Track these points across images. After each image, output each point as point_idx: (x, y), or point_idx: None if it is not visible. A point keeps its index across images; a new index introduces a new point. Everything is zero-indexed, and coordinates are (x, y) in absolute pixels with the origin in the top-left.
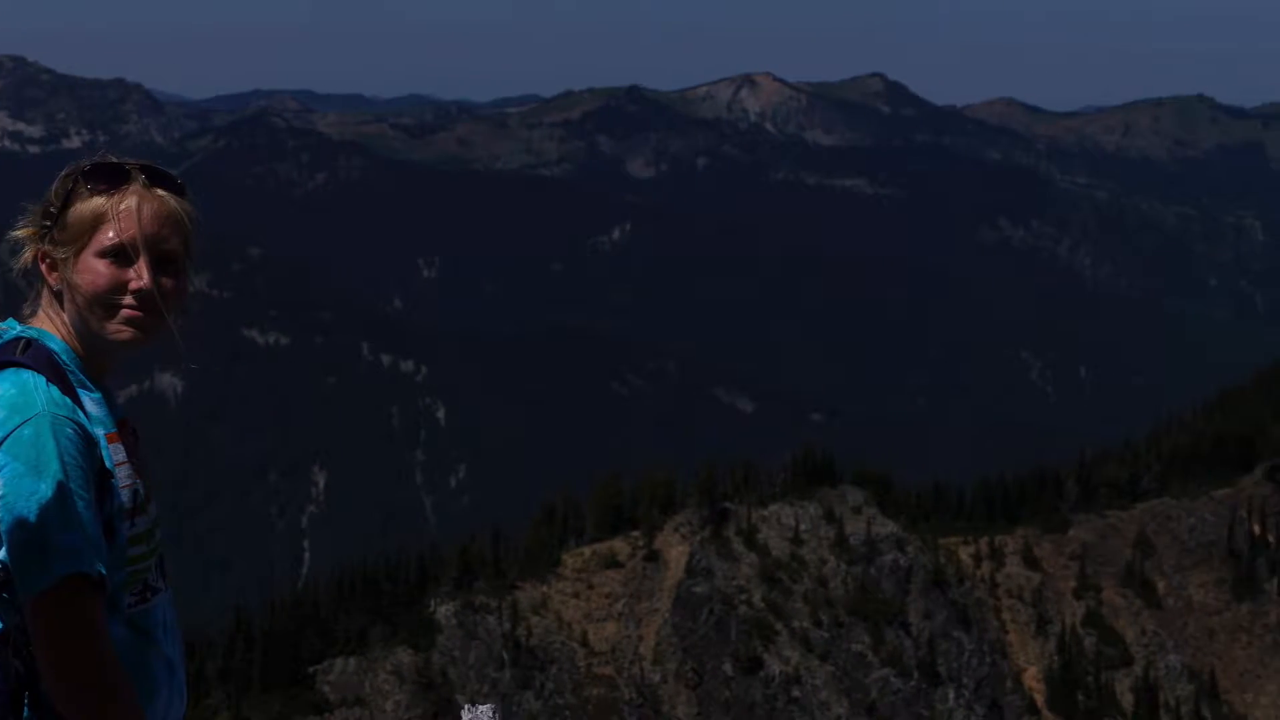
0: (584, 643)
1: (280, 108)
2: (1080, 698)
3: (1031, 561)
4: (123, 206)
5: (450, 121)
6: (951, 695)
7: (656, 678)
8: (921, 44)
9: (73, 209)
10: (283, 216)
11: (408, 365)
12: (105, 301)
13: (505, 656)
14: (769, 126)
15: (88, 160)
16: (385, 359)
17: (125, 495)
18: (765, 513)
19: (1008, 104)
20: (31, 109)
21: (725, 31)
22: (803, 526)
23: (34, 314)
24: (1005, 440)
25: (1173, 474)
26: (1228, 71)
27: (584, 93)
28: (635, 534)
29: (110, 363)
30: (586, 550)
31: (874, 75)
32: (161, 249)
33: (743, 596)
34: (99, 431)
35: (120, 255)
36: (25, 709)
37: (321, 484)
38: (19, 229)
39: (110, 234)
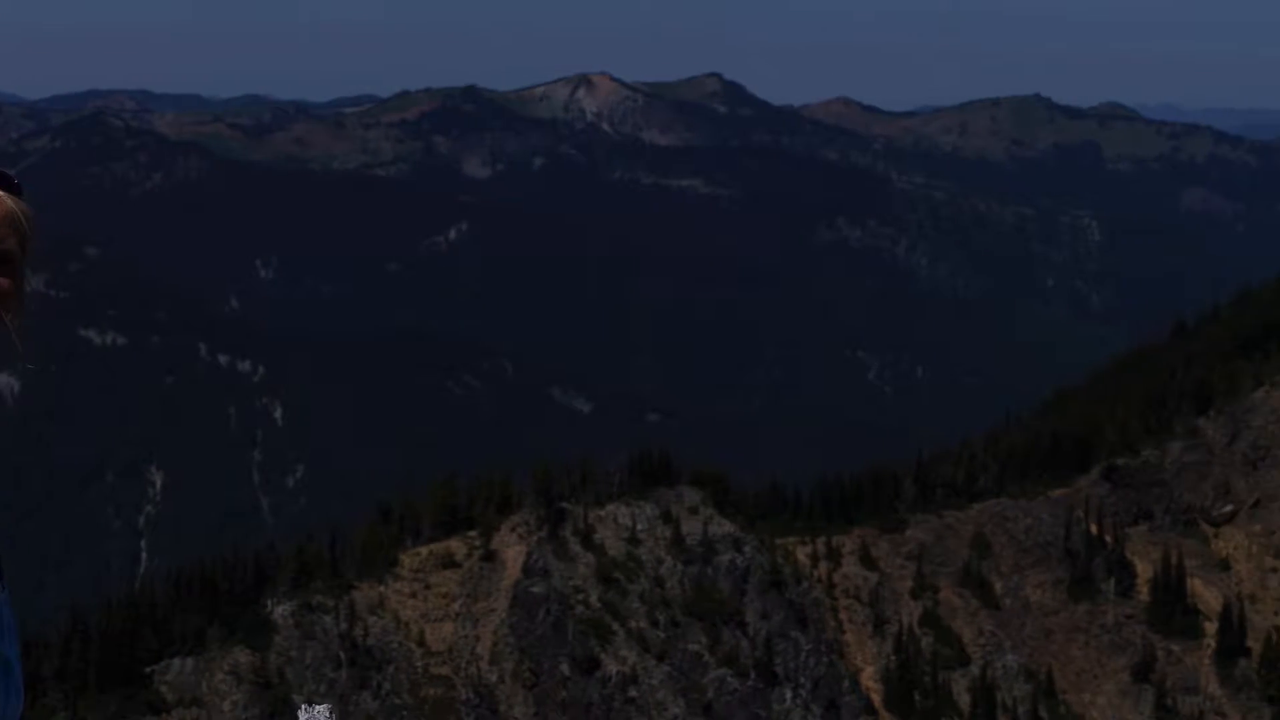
0: (421, 643)
1: (117, 107)
2: (917, 698)
3: (868, 561)
4: None
5: (287, 122)
6: (789, 695)
7: (494, 678)
8: (759, 44)
9: None
10: (120, 216)
11: (245, 365)
12: None
13: (342, 656)
14: (605, 126)
15: None
16: (222, 359)
17: None
18: (602, 513)
19: (845, 104)
20: None
21: (562, 32)
22: (639, 526)
23: None
24: (842, 440)
25: (1010, 474)
26: (1064, 71)
27: (420, 93)
28: (472, 534)
29: None
30: (423, 550)
31: (711, 75)
32: None
33: (580, 597)
34: None
35: None
36: None
37: (158, 484)
38: None
39: None
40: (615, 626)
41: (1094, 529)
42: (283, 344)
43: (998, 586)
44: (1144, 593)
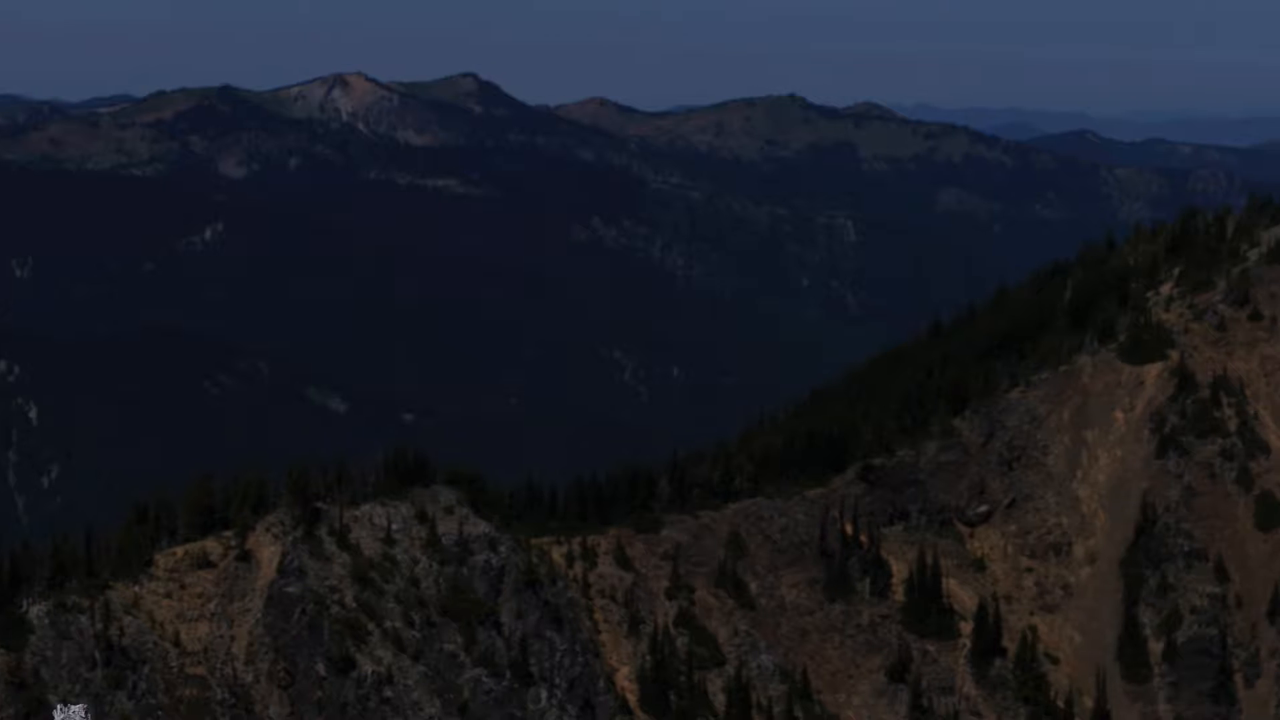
0: (176, 643)
1: None
2: (672, 698)
3: (624, 561)
4: None
5: (42, 121)
6: (544, 695)
7: (249, 677)
8: (514, 44)
9: None
10: None
11: (0, 366)
12: None
13: (98, 656)
14: (361, 126)
15: None
16: None
17: None
18: (357, 513)
19: (600, 104)
20: None
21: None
22: (395, 526)
23: None
24: (598, 440)
25: (765, 474)
26: (820, 71)
27: (176, 93)
28: (227, 534)
29: None
30: (179, 550)
31: (466, 75)
32: None
33: (335, 596)
34: None
35: None
36: None
37: None
38: None
39: None
40: (371, 626)
41: (849, 529)
42: (39, 344)
43: (753, 586)
44: (899, 593)
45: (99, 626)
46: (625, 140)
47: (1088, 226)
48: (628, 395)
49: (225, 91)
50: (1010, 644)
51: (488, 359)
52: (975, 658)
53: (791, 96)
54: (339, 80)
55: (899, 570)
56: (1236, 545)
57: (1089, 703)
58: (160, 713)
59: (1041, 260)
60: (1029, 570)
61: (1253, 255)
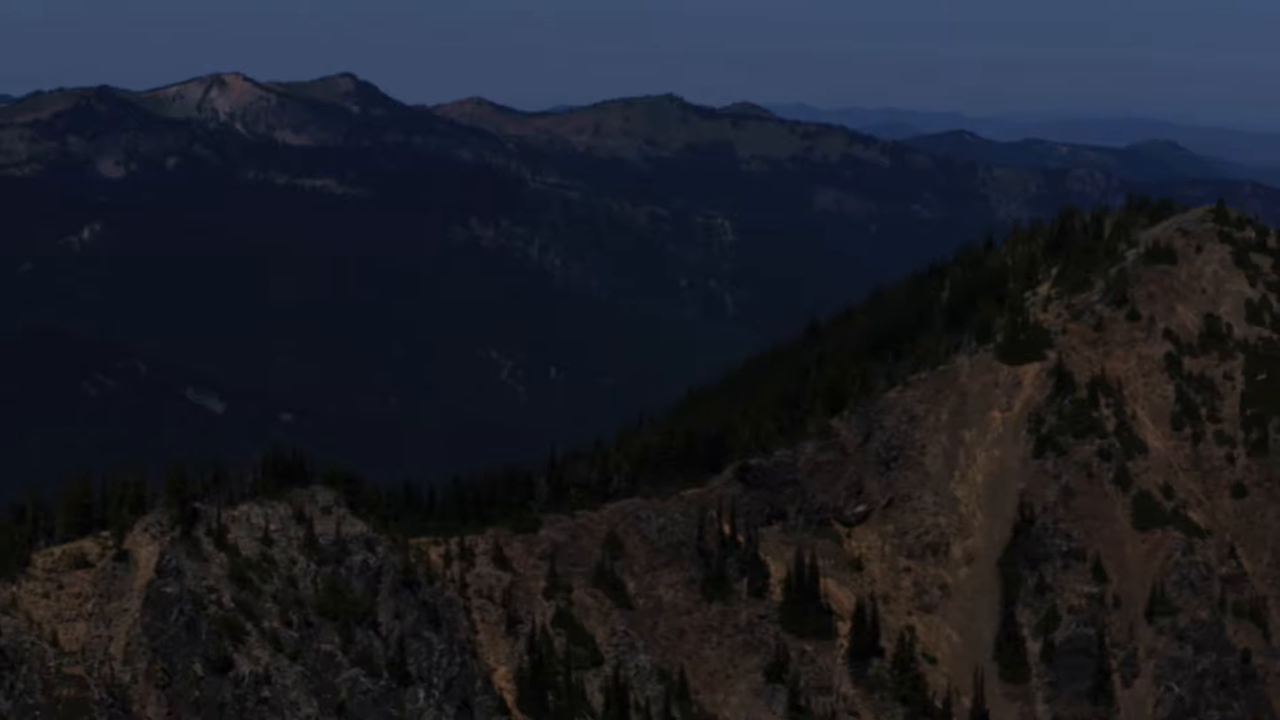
0: (54, 643)
1: None
2: (550, 697)
3: (502, 561)
4: None
5: None
6: (422, 695)
7: (127, 678)
8: (392, 44)
9: None
10: None
11: None
12: None
13: None
14: (239, 126)
15: None
16: None
17: None
18: (235, 513)
19: (478, 104)
20: None
21: (195, 31)
22: (273, 526)
23: None
24: (476, 440)
25: (643, 474)
26: (697, 71)
27: (54, 93)
28: (105, 534)
29: None
30: (56, 550)
31: (345, 75)
32: None
33: (213, 596)
34: None
35: None
36: None
37: None
38: None
39: None
40: (249, 626)
41: (727, 529)
42: None
43: (631, 586)
44: (777, 593)
45: None
46: (503, 140)
47: (965, 226)
48: (505, 395)
49: (103, 91)
50: (888, 644)
51: (365, 359)
52: (853, 658)
53: (669, 97)
54: (217, 80)
55: (776, 570)
56: (1114, 545)
57: (967, 703)
58: (38, 713)
59: (919, 260)
60: (907, 570)
61: (1130, 255)
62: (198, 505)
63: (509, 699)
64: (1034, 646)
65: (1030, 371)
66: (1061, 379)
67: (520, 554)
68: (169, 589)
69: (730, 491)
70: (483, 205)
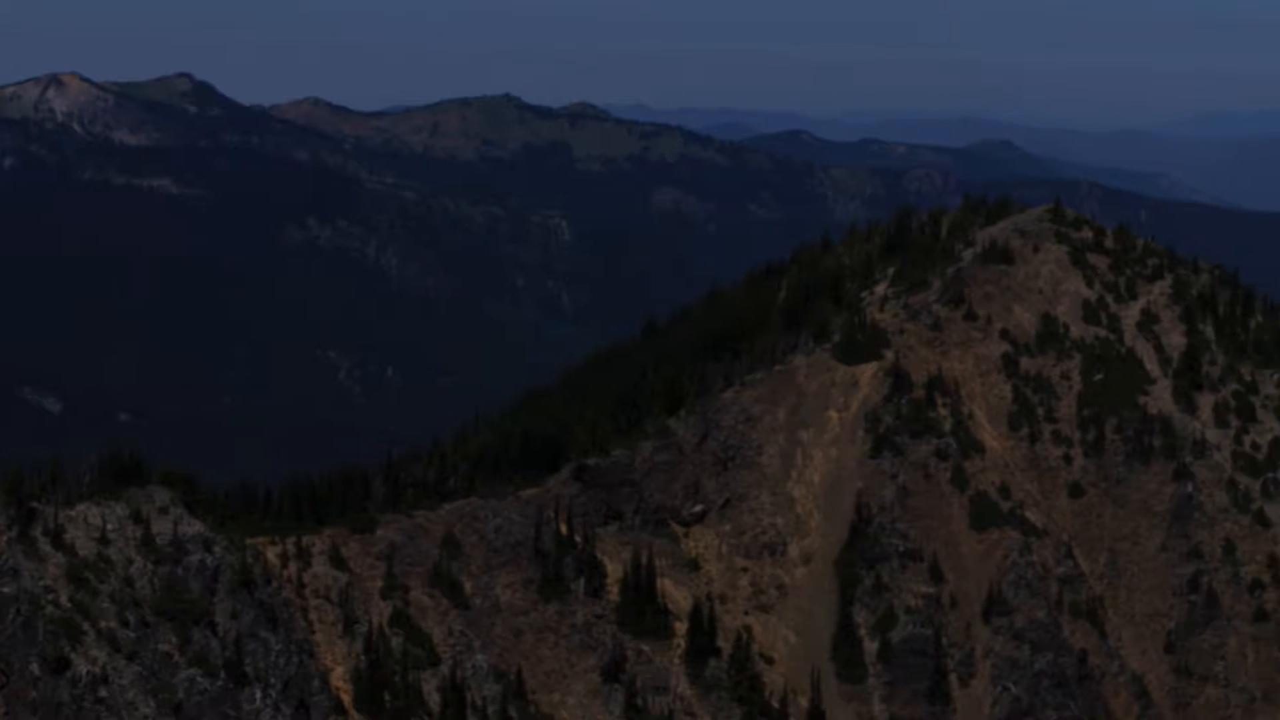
0: None
1: None
2: (387, 697)
3: (339, 561)
4: None
5: None
6: (259, 695)
7: None
8: (229, 44)
9: None
10: None
11: None
12: None
13: None
14: (76, 126)
15: None
16: None
17: None
18: (72, 513)
19: (314, 104)
20: None
21: (31, 31)
22: (110, 526)
23: None
24: (313, 440)
25: (480, 474)
26: (534, 71)
27: None
28: None
29: None
30: None
31: (181, 75)
32: None
33: (50, 597)
34: None
35: None
36: None
37: None
38: None
39: None
40: (86, 626)
41: (564, 529)
42: None
43: (468, 586)
44: (614, 593)
45: None
46: (340, 140)
47: (803, 226)
48: (342, 395)
49: None
50: (725, 644)
51: (203, 359)
52: (690, 658)
53: (507, 96)
54: (54, 80)
55: (614, 570)
56: (951, 545)
57: (804, 703)
58: None
59: (756, 260)
60: (744, 570)
61: (967, 255)
62: (34, 505)
63: (346, 699)
64: (871, 646)
65: (867, 371)
66: (898, 379)
67: (357, 554)
68: (5, 589)
69: (567, 491)
70: (319, 205)
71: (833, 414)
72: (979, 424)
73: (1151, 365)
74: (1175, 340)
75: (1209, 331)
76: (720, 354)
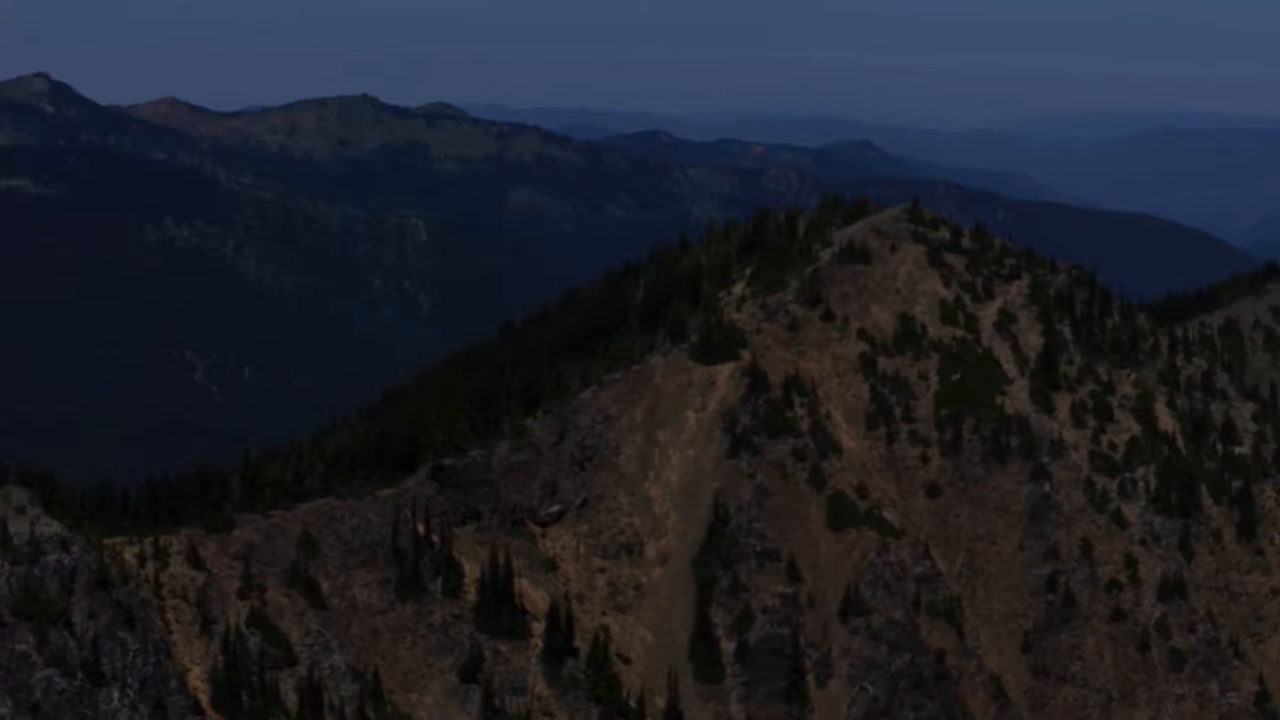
0: None
1: None
2: (245, 698)
3: (196, 561)
4: None
5: None
6: (116, 695)
7: None
8: (86, 44)
9: None
10: None
11: None
12: None
13: None
14: None
15: None
16: None
17: None
18: None
19: (172, 104)
20: None
21: None
22: None
23: None
24: (171, 440)
25: (337, 474)
26: (391, 71)
27: None
28: None
29: None
30: None
31: (38, 75)
32: None
33: None
34: None
35: None
36: None
37: None
38: None
39: None
40: None
41: (421, 529)
42: None
43: (325, 586)
44: (471, 593)
45: None
46: (197, 140)
47: (660, 226)
48: (200, 395)
49: None
50: (582, 644)
51: (60, 359)
52: (547, 658)
53: (364, 96)
54: None
55: (471, 570)
56: (808, 545)
57: (661, 703)
58: None
59: (614, 260)
60: (601, 570)
61: (825, 255)
62: None
63: (203, 699)
64: (728, 646)
65: (724, 371)
66: (756, 379)
67: (214, 554)
68: None
69: (424, 492)
70: (177, 205)
71: (690, 414)
72: (836, 424)
73: (1009, 365)
74: (1032, 340)
75: (1066, 332)
76: (577, 354)
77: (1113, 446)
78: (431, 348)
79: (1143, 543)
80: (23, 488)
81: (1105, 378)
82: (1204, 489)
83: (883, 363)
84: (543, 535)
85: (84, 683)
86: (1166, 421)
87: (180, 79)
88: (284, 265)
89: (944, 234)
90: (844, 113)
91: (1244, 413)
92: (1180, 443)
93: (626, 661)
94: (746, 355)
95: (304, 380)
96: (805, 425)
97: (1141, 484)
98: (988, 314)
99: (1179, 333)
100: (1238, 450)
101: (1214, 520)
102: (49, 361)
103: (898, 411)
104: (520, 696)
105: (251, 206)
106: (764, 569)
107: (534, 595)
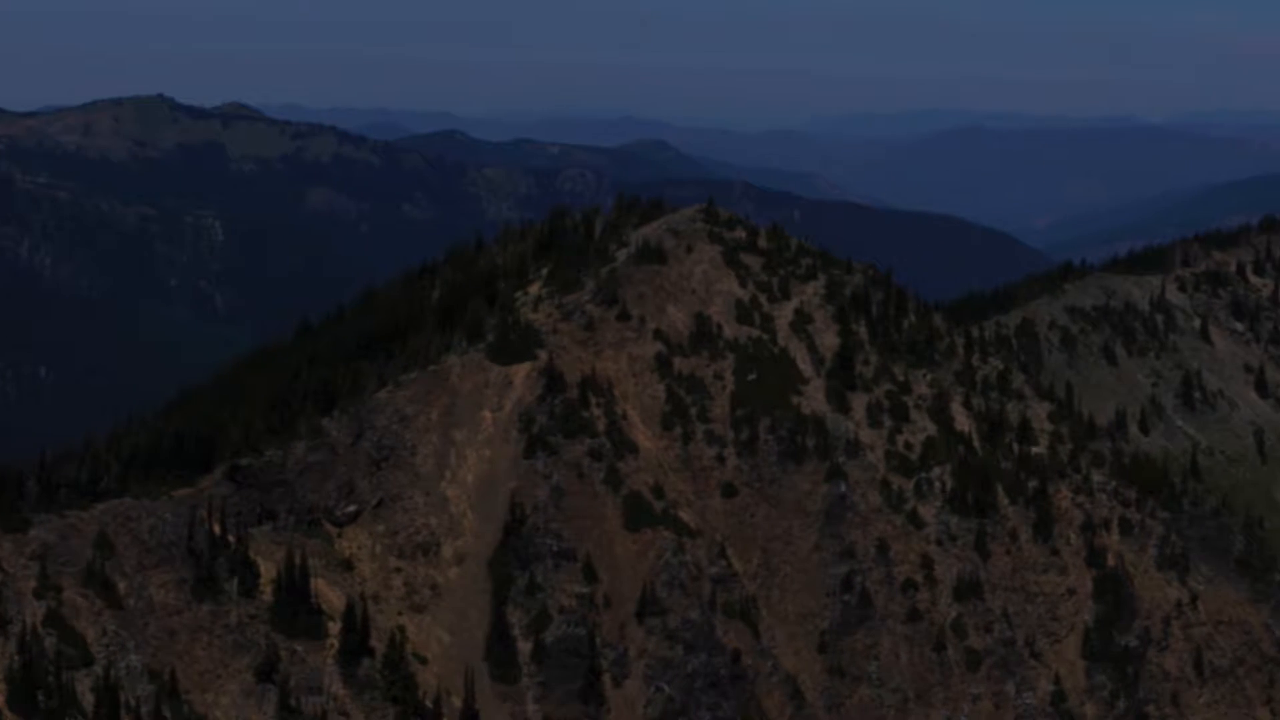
0: None
1: None
2: (41, 698)
3: None
4: None
5: None
6: None
7: None
8: None
9: None
10: None
11: None
12: None
13: None
14: None
15: None
16: None
17: None
18: None
19: None
20: None
21: None
22: None
23: None
24: None
25: (133, 473)
26: (187, 71)
27: None
28: None
29: None
30: None
31: None
32: None
33: None
34: None
35: None
36: None
37: None
38: None
39: None
40: None
41: (218, 529)
42: None
43: (121, 586)
44: (268, 593)
45: None
46: None
47: (457, 226)
48: None
49: None
50: (379, 644)
51: None
52: (343, 658)
53: (160, 97)
54: None
55: (267, 570)
56: (605, 545)
57: (457, 703)
58: None
59: (410, 260)
60: (398, 570)
61: (621, 255)
62: None
63: (0, 700)
64: (525, 646)
65: (521, 371)
66: (552, 379)
67: (10, 554)
68: None
69: (221, 491)
70: None
71: (487, 414)
72: (633, 424)
73: (805, 365)
74: (828, 340)
75: (862, 332)
76: (374, 354)
77: (909, 446)
78: (228, 348)
79: (939, 543)
80: None
81: (901, 378)
82: (1000, 489)
83: (679, 363)
84: (339, 535)
85: None
86: (962, 421)
87: None
88: (80, 265)
89: (740, 234)
90: (643, 113)
91: (1040, 413)
92: (976, 443)
93: (423, 661)
94: (543, 355)
95: (100, 380)
96: (601, 425)
97: (937, 484)
98: (784, 314)
99: (975, 333)
100: (1034, 450)
101: (1010, 520)
102: None
103: (694, 411)
104: (316, 696)
105: (48, 207)
106: (560, 569)
107: (330, 595)
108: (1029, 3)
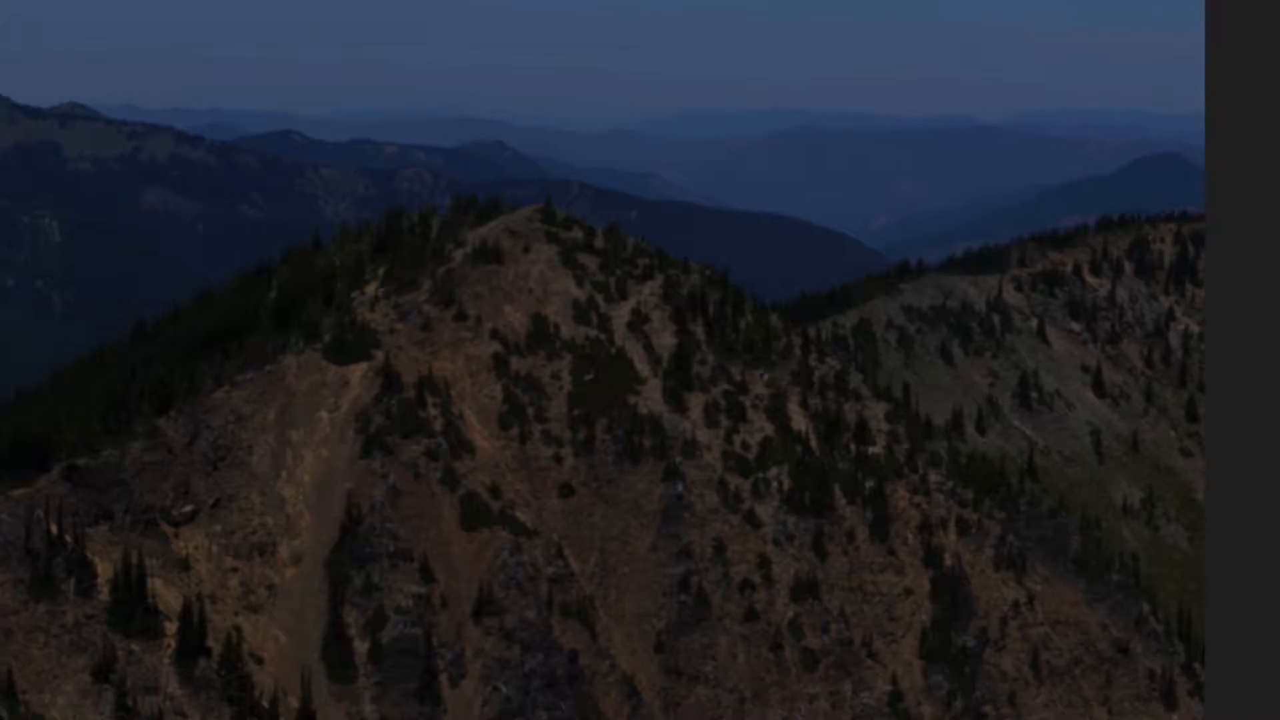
0: None
1: None
2: None
3: None
4: None
5: None
6: None
7: None
8: None
9: None
10: None
11: None
12: None
13: None
14: None
15: None
16: None
17: None
18: None
19: None
20: None
21: None
22: None
23: None
24: None
25: None
26: (25, 70)
27: None
28: None
29: None
30: None
31: None
32: None
33: None
34: None
35: None
36: None
37: None
38: None
39: None
40: None
41: (55, 529)
42: None
43: None
44: (105, 593)
45: None
46: None
47: (293, 227)
48: None
49: None
50: (215, 644)
51: None
52: (180, 658)
53: None
54: None
55: (104, 570)
56: (441, 545)
57: (294, 703)
58: None
59: (246, 260)
60: (234, 570)
61: (458, 255)
62: None
63: None
64: (361, 646)
65: (358, 371)
66: (389, 379)
67: None
68: None
69: (57, 491)
70: None
71: (323, 414)
72: (470, 424)
73: (642, 365)
74: (666, 340)
75: (699, 332)
76: (211, 354)
77: (746, 446)
78: (65, 348)
79: (776, 543)
80: None
81: (738, 378)
82: (837, 489)
83: (515, 363)
84: (176, 535)
85: None
86: (800, 422)
87: None
88: None
89: (577, 234)
90: (481, 113)
91: (877, 413)
92: (813, 443)
93: (259, 661)
94: (379, 355)
95: None
96: (438, 425)
97: (775, 484)
98: (621, 314)
99: (812, 333)
100: (871, 450)
101: (847, 520)
102: None
103: (531, 411)
104: (153, 696)
105: None
106: (397, 569)
107: (167, 595)
108: (876, 2)
